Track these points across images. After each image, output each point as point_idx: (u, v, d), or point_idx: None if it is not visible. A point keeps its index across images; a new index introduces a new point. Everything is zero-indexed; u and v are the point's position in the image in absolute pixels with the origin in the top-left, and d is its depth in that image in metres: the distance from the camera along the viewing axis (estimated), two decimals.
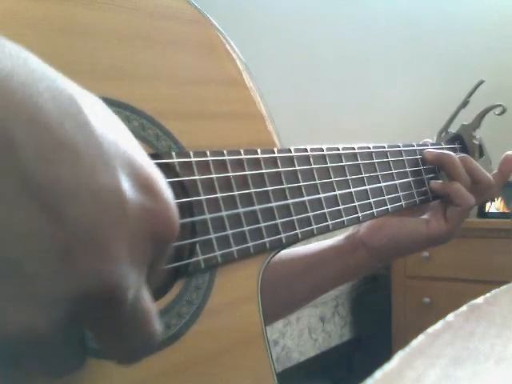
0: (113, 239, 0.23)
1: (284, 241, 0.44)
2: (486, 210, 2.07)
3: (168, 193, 0.26)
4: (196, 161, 0.39)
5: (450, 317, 0.35)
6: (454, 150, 0.68)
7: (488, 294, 0.42)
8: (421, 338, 0.31)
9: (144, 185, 0.25)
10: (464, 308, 0.37)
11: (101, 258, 0.23)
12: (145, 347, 0.27)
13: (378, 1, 2.54)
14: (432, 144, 0.66)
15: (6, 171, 0.21)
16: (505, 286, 0.45)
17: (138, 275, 0.25)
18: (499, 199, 2.05)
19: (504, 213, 2.05)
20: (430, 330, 0.32)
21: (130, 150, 0.25)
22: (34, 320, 0.22)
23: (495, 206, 2.07)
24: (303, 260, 0.62)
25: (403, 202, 0.58)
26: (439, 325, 0.34)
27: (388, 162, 0.58)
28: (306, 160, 0.48)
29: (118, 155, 0.24)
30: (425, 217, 0.63)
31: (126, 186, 0.24)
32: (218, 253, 0.39)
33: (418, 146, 0.63)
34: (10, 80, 0.22)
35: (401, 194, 0.58)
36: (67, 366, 0.26)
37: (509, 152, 0.68)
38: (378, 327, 2.18)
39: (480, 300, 0.40)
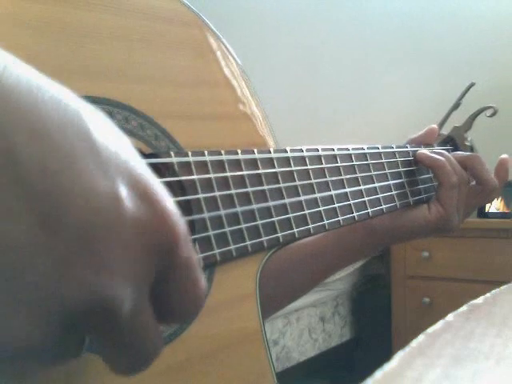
0: (108, 249, 0.23)
1: (281, 239, 0.44)
2: (486, 210, 2.07)
3: (168, 202, 0.25)
4: (194, 160, 0.39)
5: (450, 317, 0.35)
6: (446, 151, 0.69)
7: (488, 294, 0.42)
8: (421, 338, 0.31)
9: (143, 194, 0.24)
10: (464, 308, 0.37)
11: (97, 268, 0.22)
12: (145, 359, 0.27)
13: (377, 1, 2.55)
14: (425, 145, 0.66)
15: (5, 180, 0.21)
16: (505, 286, 0.45)
17: (136, 288, 0.24)
18: (499, 199, 2.05)
19: (504, 213, 2.05)
20: (430, 330, 0.32)
21: (130, 161, 0.25)
22: (30, 331, 0.22)
23: (495, 206, 2.07)
24: (304, 246, 0.63)
25: (397, 203, 0.59)
26: (439, 325, 0.33)
27: (382, 162, 0.58)
28: (301, 160, 0.48)
29: (117, 165, 0.24)
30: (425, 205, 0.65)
31: (125, 195, 0.23)
32: (216, 251, 0.40)
33: (412, 147, 0.64)
34: (16, 88, 0.22)
35: (394, 193, 0.59)
36: (62, 360, 0.26)
37: (503, 155, 0.69)
38: (377, 327, 2.18)
39: (480, 300, 0.40)
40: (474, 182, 0.66)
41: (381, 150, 0.59)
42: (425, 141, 0.67)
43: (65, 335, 0.23)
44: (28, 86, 0.22)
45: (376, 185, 0.56)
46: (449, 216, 0.62)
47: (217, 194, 0.40)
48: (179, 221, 0.25)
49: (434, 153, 0.63)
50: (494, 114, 0.71)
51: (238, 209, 0.41)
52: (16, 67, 0.23)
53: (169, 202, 0.25)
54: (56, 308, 0.22)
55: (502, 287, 0.45)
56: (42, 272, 0.21)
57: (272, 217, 0.44)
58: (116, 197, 0.23)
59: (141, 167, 0.25)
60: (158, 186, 0.25)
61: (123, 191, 0.23)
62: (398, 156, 0.61)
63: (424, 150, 0.63)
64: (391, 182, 0.59)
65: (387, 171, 0.59)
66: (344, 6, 2.61)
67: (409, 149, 0.63)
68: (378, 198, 0.56)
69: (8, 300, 0.21)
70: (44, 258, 0.21)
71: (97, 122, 0.24)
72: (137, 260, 0.24)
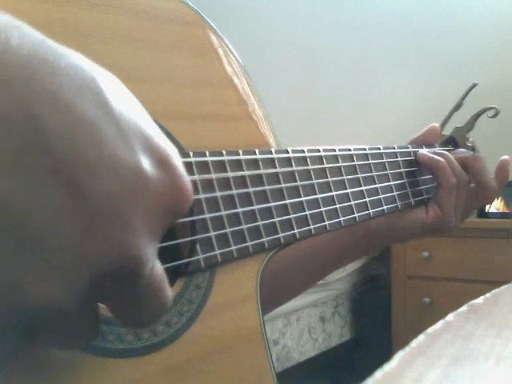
0: (133, 212, 0.24)
1: (282, 240, 0.44)
2: (486, 210, 2.07)
3: (182, 167, 0.27)
4: (195, 161, 0.39)
5: (450, 317, 0.35)
6: (447, 152, 0.69)
7: (488, 294, 0.42)
8: (421, 338, 0.31)
9: (161, 160, 0.25)
10: (464, 308, 0.37)
11: (122, 230, 0.23)
12: (158, 313, 0.28)
13: (379, 2, 2.55)
14: (427, 146, 0.66)
15: (29, 147, 0.21)
16: (505, 286, 0.45)
17: (155, 247, 0.26)
18: (499, 199, 2.05)
19: (504, 213, 2.05)
20: (430, 330, 0.32)
21: (147, 128, 0.26)
22: (57, 292, 0.22)
23: (495, 206, 2.07)
24: (301, 245, 0.63)
25: (399, 203, 0.59)
26: (439, 325, 0.34)
27: (383, 163, 0.58)
28: (303, 161, 0.48)
29: (135, 132, 0.25)
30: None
31: (145, 161, 0.24)
32: (217, 252, 0.40)
33: (413, 147, 0.64)
34: (31, 58, 0.22)
35: (396, 194, 0.59)
36: (82, 338, 0.27)
37: (504, 156, 0.69)
38: (378, 327, 2.18)
39: (480, 300, 0.40)
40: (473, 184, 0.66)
41: (382, 151, 0.58)
42: (426, 140, 0.67)
43: (87, 297, 0.24)
44: (43, 54, 0.23)
45: (377, 185, 0.56)
46: (446, 217, 0.62)
47: (218, 194, 0.40)
48: (189, 184, 0.27)
49: (435, 153, 0.63)
50: (496, 115, 0.71)
51: (239, 209, 0.41)
52: (30, 36, 0.23)
53: (182, 166, 0.27)
54: (85, 268, 0.23)
55: (501, 287, 0.45)
56: (71, 234, 0.22)
57: (273, 217, 0.44)
58: (138, 165, 0.24)
59: (157, 134, 0.26)
60: (173, 151, 0.27)
61: (144, 159, 0.25)
62: (399, 156, 0.61)
63: (424, 151, 0.63)
64: (392, 183, 0.59)
65: (388, 172, 0.58)
66: (346, 6, 2.61)
67: (410, 149, 0.63)
68: (380, 199, 0.56)
69: (39, 262, 0.22)
70: (71, 220, 0.22)
71: (113, 88, 0.25)
72: (157, 221, 0.25)
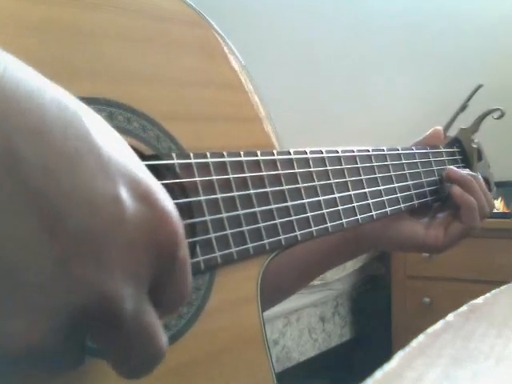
0: (109, 249, 0.23)
1: (283, 242, 0.44)
2: None
3: (168, 203, 0.26)
4: (196, 162, 0.39)
5: (450, 317, 0.35)
6: (452, 153, 0.68)
7: (488, 294, 0.42)
8: (421, 338, 0.31)
9: (143, 195, 0.25)
10: (464, 308, 0.37)
11: (96, 268, 0.23)
12: (149, 362, 0.27)
13: (381, 2, 2.54)
14: (431, 148, 0.66)
15: (5, 178, 0.21)
16: (505, 286, 0.45)
17: (137, 288, 0.24)
18: (499, 199, 2.05)
19: (504, 213, 2.05)
20: (430, 330, 0.32)
21: (130, 163, 0.25)
22: (32, 332, 0.22)
23: (495, 206, 2.07)
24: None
25: (402, 205, 0.58)
26: (439, 325, 0.34)
27: (387, 164, 0.58)
28: (305, 162, 0.48)
29: (117, 167, 0.24)
30: (425, 220, 0.63)
31: (125, 195, 0.24)
32: (217, 253, 0.40)
33: (417, 149, 0.63)
34: (17, 90, 0.22)
35: (399, 196, 0.58)
36: (67, 366, 0.26)
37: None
38: (378, 327, 2.18)
39: (480, 300, 0.40)
40: None
41: (386, 152, 0.58)
42: (430, 143, 0.66)
43: (67, 336, 0.23)
44: (28, 88, 0.23)
45: (381, 187, 0.56)
46: (450, 244, 0.62)
47: (218, 196, 0.40)
48: (178, 221, 0.26)
49: (471, 177, 0.61)
50: (501, 117, 0.71)
51: (240, 211, 0.41)
52: (16, 69, 0.23)
53: (168, 203, 0.26)
54: (58, 306, 0.22)
55: (502, 287, 0.45)
56: (43, 271, 0.22)
57: (274, 219, 0.44)
58: (117, 198, 0.23)
59: (140, 169, 0.26)
60: (158, 187, 0.26)
61: (124, 193, 0.24)
62: (403, 158, 0.60)
63: (454, 168, 0.62)
64: (396, 185, 0.58)
65: (392, 173, 0.58)
66: (347, 6, 2.61)
67: (415, 151, 0.62)
68: (383, 201, 0.56)
69: (8, 299, 0.21)
70: (44, 257, 0.22)
71: (96, 123, 0.25)
72: (137, 260, 0.24)
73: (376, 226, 0.61)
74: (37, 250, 0.21)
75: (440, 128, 0.68)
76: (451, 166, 0.63)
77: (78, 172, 0.23)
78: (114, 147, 0.25)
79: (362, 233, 0.62)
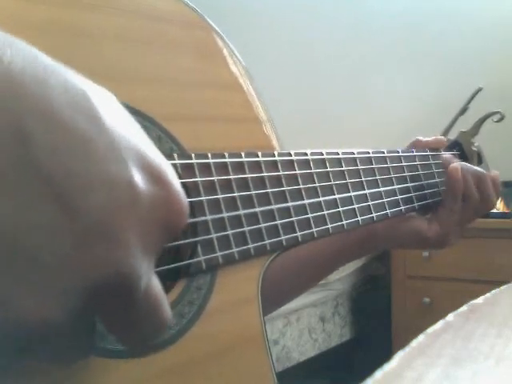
0: (125, 228, 0.24)
1: (284, 243, 0.44)
2: None
3: (177, 183, 0.27)
4: (198, 163, 0.39)
5: (450, 317, 0.35)
6: (452, 156, 0.69)
7: (488, 294, 0.42)
8: (421, 338, 0.31)
9: (154, 175, 0.25)
10: (464, 308, 0.38)
11: (114, 246, 0.23)
12: (155, 333, 0.28)
13: (381, 2, 2.54)
14: (431, 150, 0.66)
15: (20, 164, 0.21)
16: (505, 286, 0.46)
17: (149, 264, 0.25)
18: (499, 199, 2.05)
19: (504, 213, 2.05)
20: (430, 330, 0.33)
21: (140, 143, 0.26)
22: (50, 309, 0.22)
23: (495, 206, 2.07)
24: (299, 248, 0.63)
25: (403, 207, 0.59)
26: (439, 325, 0.34)
27: (387, 167, 0.58)
28: (306, 164, 0.48)
29: (128, 148, 0.25)
30: (428, 216, 0.65)
31: (137, 176, 0.24)
32: (219, 254, 0.40)
33: (418, 151, 0.64)
34: (22, 75, 0.22)
35: (400, 198, 0.58)
36: (76, 354, 0.27)
37: (494, 172, 0.68)
38: (378, 327, 2.18)
39: (480, 300, 0.40)
40: None
41: (386, 155, 0.58)
42: (430, 146, 0.67)
43: (82, 314, 0.24)
44: (35, 70, 0.23)
45: (381, 189, 0.56)
46: (446, 235, 0.63)
47: (220, 196, 0.40)
48: (185, 200, 0.27)
49: (463, 168, 0.62)
50: (501, 120, 0.71)
51: (241, 212, 0.41)
52: (22, 52, 0.23)
53: (177, 182, 0.27)
54: (76, 285, 0.23)
55: (501, 287, 0.45)
56: (62, 251, 0.22)
57: (275, 220, 0.44)
58: (129, 179, 0.24)
59: (150, 149, 0.26)
60: (167, 166, 0.27)
61: (136, 174, 0.24)
62: (403, 161, 0.60)
63: (458, 166, 0.62)
64: (396, 187, 0.58)
65: (392, 176, 0.58)
66: (347, 6, 2.60)
67: (415, 153, 0.62)
68: (383, 203, 0.56)
69: (31, 279, 0.22)
70: (63, 238, 0.22)
71: (105, 103, 0.25)
72: (151, 237, 0.25)
73: (387, 224, 0.62)
74: (55, 234, 0.22)
75: (444, 138, 0.68)
76: (454, 165, 0.63)
77: (90, 155, 0.23)
78: (124, 127, 0.25)
79: (374, 232, 0.63)
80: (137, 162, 0.25)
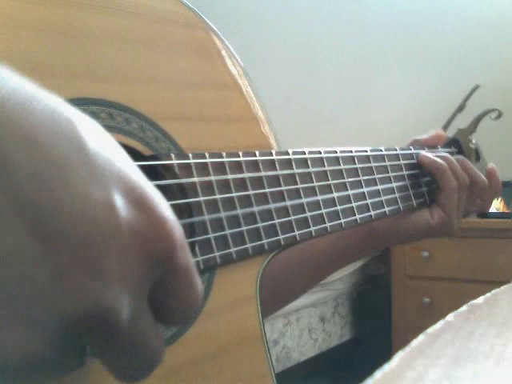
0: (105, 258, 0.22)
1: (282, 242, 0.44)
2: None
3: (164, 208, 0.25)
4: (195, 163, 0.39)
5: (450, 317, 0.35)
6: (450, 154, 0.69)
7: (488, 294, 0.42)
8: (421, 338, 0.31)
9: (138, 201, 0.24)
10: (464, 308, 0.37)
11: (93, 277, 0.22)
12: (147, 367, 0.27)
13: (379, 1, 2.54)
14: (429, 148, 0.66)
15: None
16: (505, 286, 0.45)
17: (134, 296, 0.24)
18: (499, 199, 2.05)
19: (504, 213, 2.05)
20: (430, 329, 0.32)
21: (125, 169, 0.25)
22: (30, 343, 0.22)
23: (495, 206, 2.07)
24: (302, 246, 0.62)
25: (401, 205, 0.59)
26: (439, 325, 0.34)
27: (385, 165, 0.58)
28: (303, 162, 0.48)
29: (111, 173, 0.24)
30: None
31: (120, 203, 0.23)
32: (216, 253, 0.40)
33: (416, 149, 0.64)
34: (8, 100, 0.22)
35: (398, 196, 0.58)
36: (66, 371, 0.26)
37: (490, 164, 0.69)
38: (377, 327, 2.18)
39: (480, 300, 0.40)
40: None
41: (384, 153, 0.58)
42: (430, 144, 0.67)
43: (65, 346, 0.23)
44: (20, 97, 0.22)
45: (379, 187, 0.56)
46: (450, 220, 0.63)
47: (218, 196, 0.40)
48: (176, 227, 0.25)
49: (437, 156, 0.63)
50: (498, 117, 0.71)
51: (239, 211, 0.41)
52: (8, 78, 0.23)
53: (165, 207, 0.25)
54: (54, 318, 0.22)
55: (502, 287, 0.45)
56: (38, 283, 0.21)
57: (273, 219, 0.44)
58: (111, 206, 0.23)
59: (135, 174, 0.25)
60: (153, 192, 0.25)
61: (118, 200, 0.23)
62: (401, 159, 0.60)
63: (426, 153, 0.63)
64: (394, 185, 0.58)
65: (390, 174, 0.58)
66: (345, 6, 2.61)
67: (412, 151, 0.63)
68: (381, 201, 0.56)
69: (4, 312, 0.21)
70: (39, 269, 0.21)
71: (90, 130, 0.24)
72: (134, 268, 0.24)
73: (388, 220, 0.62)
74: (31, 263, 0.21)
75: (443, 132, 0.68)
76: (423, 152, 0.64)
77: (70, 181, 0.22)
78: (109, 153, 0.24)
79: (375, 229, 0.63)
80: (119, 188, 0.24)
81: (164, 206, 0.25)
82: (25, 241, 0.21)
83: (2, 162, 0.21)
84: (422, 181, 0.63)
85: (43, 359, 0.22)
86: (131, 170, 0.25)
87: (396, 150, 0.60)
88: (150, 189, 0.25)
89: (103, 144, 0.25)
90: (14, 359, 0.22)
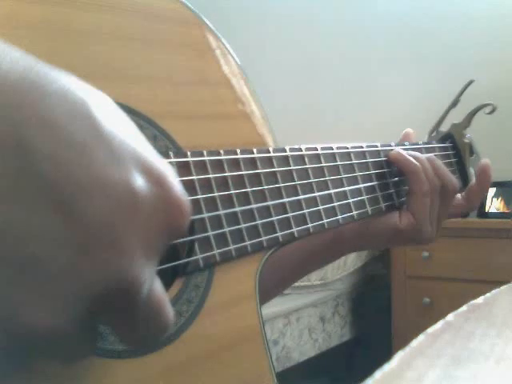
0: (128, 234, 0.24)
1: (281, 239, 0.44)
2: (486, 209, 2.07)
3: (179, 186, 0.27)
4: (193, 161, 0.39)
5: (450, 317, 0.35)
6: (445, 148, 0.68)
7: (488, 294, 0.42)
8: (421, 338, 0.31)
9: (155, 179, 0.25)
10: (464, 308, 0.37)
11: (117, 253, 0.23)
12: (158, 333, 0.28)
13: (378, 1, 2.55)
14: (424, 143, 0.66)
15: (19, 172, 0.21)
16: (505, 286, 0.45)
17: (152, 267, 0.25)
18: (499, 199, 2.05)
19: (504, 213, 2.05)
20: (430, 330, 0.32)
21: (140, 146, 0.26)
22: (56, 317, 0.22)
23: (495, 206, 2.07)
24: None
25: (396, 201, 0.58)
26: (439, 325, 0.33)
27: (381, 161, 0.57)
28: (300, 159, 0.48)
29: (128, 152, 0.25)
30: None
31: (138, 181, 0.24)
32: (216, 251, 0.40)
33: (411, 144, 0.63)
34: (22, 83, 0.22)
35: (393, 191, 0.58)
36: (79, 354, 0.27)
37: (484, 160, 0.66)
38: (377, 327, 2.18)
39: (480, 300, 0.40)
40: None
41: (380, 148, 0.57)
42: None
43: (88, 320, 0.24)
44: (34, 78, 0.23)
45: (375, 183, 0.55)
46: (421, 226, 0.57)
47: (216, 194, 0.40)
48: (187, 201, 0.27)
49: (410, 155, 0.58)
50: (492, 112, 0.71)
51: (238, 209, 0.41)
52: (21, 61, 0.23)
53: (178, 184, 0.27)
54: (80, 293, 0.23)
55: (502, 287, 0.45)
56: (65, 259, 0.22)
57: (271, 216, 0.44)
58: (130, 184, 0.24)
59: (150, 152, 0.26)
60: (167, 169, 0.27)
61: (137, 177, 0.24)
62: (368, 157, 0.56)
63: (399, 150, 0.58)
64: (390, 181, 0.57)
65: (386, 170, 0.57)
66: (344, 5, 2.61)
67: (379, 148, 0.58)
68: (377, 196, 0.55)
69: (34, 288, 0.22)
70: (66, 246, 0.22)
71: (104, 109, 0.25)
72: (154, 240, 0.25)
73: (354, 225, 0.58)
74: (55, 240, 0.22)
75: (410, 130, 0.66)
76: (396, 148, 0.59)
77: (89, 162, 0.23)
78: (123, 131, 0.25)
79: (340, 235, 0.60)
80: (137, 166, 0.25)
81: (177, 182, 0.27)
82: (50, 220, 0.22)
83: (22, 145, 0.21)
84: (391, 181, 0.59)
85: (68, 334, 0.23)
86: (145, 147, 0.26)
87: (391, 145, 0.59)
88: (165, 167, 0.27)
89: (117, 121, 0.25)
90: (40, 334, 0.22)
